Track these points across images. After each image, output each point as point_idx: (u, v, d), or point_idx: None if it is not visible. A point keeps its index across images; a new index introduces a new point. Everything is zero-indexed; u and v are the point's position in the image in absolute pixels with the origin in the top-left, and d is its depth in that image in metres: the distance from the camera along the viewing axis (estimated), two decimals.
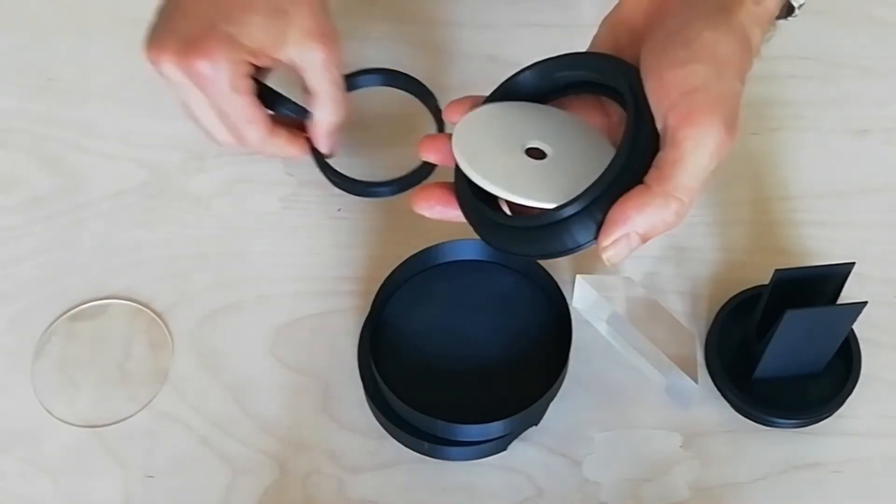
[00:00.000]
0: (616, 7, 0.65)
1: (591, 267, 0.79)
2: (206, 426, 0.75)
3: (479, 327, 0.74)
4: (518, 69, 0.64)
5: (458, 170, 0.62)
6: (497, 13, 0.90)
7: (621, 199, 0.58)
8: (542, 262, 0.75)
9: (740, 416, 0.75)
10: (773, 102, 0.87)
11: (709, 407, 0.75)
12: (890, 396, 0.76)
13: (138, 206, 0.83)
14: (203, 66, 0.71)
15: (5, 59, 0.90)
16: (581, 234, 0.59)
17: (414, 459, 0.74)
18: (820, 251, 0.80)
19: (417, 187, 0.66)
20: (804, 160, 0.84)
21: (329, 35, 0.74)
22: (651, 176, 0.58)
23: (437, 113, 0.82)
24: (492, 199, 0.62)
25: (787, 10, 0.64)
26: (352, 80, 0.82)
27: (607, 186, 0.58)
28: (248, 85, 0.73)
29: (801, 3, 0.63)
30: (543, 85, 0.64)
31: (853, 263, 0.70)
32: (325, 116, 0.77)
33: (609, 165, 0.59)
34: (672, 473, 0.73)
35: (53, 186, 0.84)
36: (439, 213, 0.64)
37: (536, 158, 0.62)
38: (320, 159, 0.79)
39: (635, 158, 0.59)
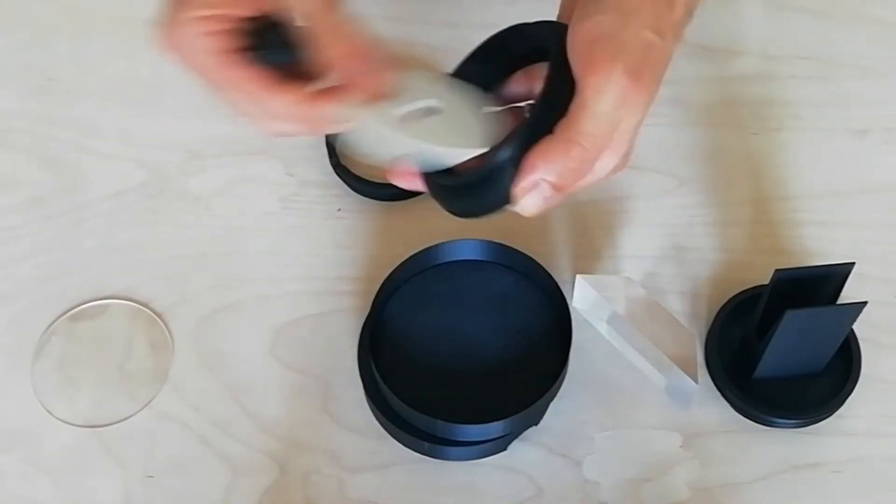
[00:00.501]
0: None
1: (591, 267, 0.79)
2: (206, 426, 0.75)
3: (479, 327, 0.74)
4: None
5: None
6: (496, 13, 0.90)
7: (531, 149, 0.59)
8: (542, 262, 0.75)
9: (740, 416, 0.75)
10: (773, 102, 0.86)
11: (709, 407, 0.75)
12: (890, 396, 0.76)
13: (138, 206, 0.83)
14: (169, 35, 0.63)
15: (5, 59, 0.90)
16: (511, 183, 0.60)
17: (414, 459, 0.74)
18: (820, 251, 0.80)
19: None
20: (804, 160, 0.84)
21: None
22: (558, 124, 0.59)
23: None
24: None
25: None
26: None
27: (526, 136, 0.59)
28: (212, 43, 0.61)
29: None
30: (490, 69, 0.64)
31: (853, 263, 0.70)
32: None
33: (528, 117, 0.60)
34: (672, 473, 0.73)
35: (53, 186, 0.84)
36: (412, 182, 0.63)
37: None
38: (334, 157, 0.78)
39: (552, 110, 0.59)
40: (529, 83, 0.65)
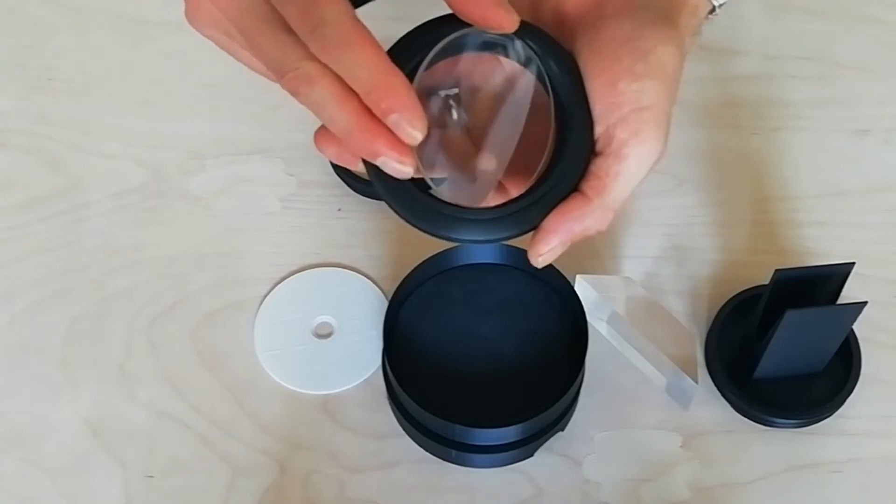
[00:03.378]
0: None
1: (591, 267, 0.79)
2: (206, 426, 0.75)
3: (495, 330, 0.74)
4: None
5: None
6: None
7: (560, 209, 0.58)
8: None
9: (740, 416, 0.75)
10: (773, 102, 0.87)
11: (709, 407, 0.75)
12: (890, 396, 0.76)
13: (138, 206, 0.83)
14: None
15: (5, 59, 0.90)
16: (512, 230, 0.59)
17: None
18: (820, 251, 0.80)
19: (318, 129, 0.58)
20: (804, 160, 0.84)
21: None
22: (590, 185, 0.58)
23: None
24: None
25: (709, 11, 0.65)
26: None
27: (548, 191, 0.58)
28: None
29: (722, 2, 0.64)
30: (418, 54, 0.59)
31: (853, 263, 0.70)
32: None
33: (548, 169, 0.58)
34: (672, 473, 0.73)
35: (53, 186, 0.84)
36: (336, 155, 0.58)
37: None
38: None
39: (570, 165, 0.59)
40: (456, 73, 0.61)
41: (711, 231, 0.82)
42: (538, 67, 0.59)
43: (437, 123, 0.60)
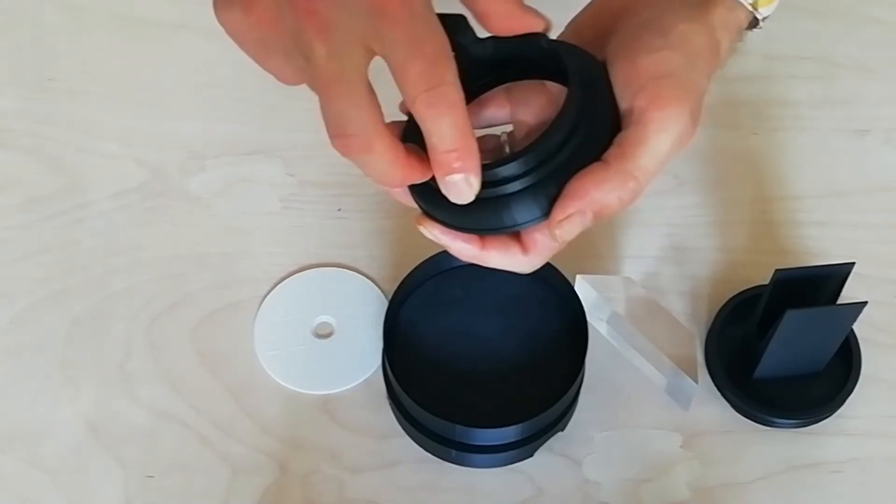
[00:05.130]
0: (585, 8, 0.64)
1: (591, 267, 0.79)
2: (206, 426, 0.75)
3: (495, 330, 0.74)
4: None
5: (402, 137, 0.59)
6: None
7: (580, 175, 0.57)
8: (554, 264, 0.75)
9: (740, 416, 0.75)
10: (773, 102, 0.87)
11: (709, 407, 0.75)
12: (890, 396, 0.76)
13: (138, 206, 0.83)
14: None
15: (5, 59, 0.90)
16: (529, 211, 0.58)
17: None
18: (820, 251, 0.80)
19: None
20: (804, 160, 0.84)
21: None
22: (611, 153, 0.58)
23: None
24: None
25: (752, 23, 0.65)
26: None
27: (561, 164, 0.57)
28: None
29: (765, 16, 0.64)
30: (474, 80, 0.61)
31: (853, 263, 0.70)
32: None
33: (558, 138, 0.57)
34: (672, 473, 0.73)
35: (53, 186, 0.84)
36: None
37: None
38: None
39: (596, 136, 0.58)
40: (511, 105, 0.64)
41: (711, 231, 0.82)
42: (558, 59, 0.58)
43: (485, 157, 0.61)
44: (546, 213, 0.58)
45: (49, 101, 0.87)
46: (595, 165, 0.58)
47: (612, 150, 0.58)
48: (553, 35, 0.63)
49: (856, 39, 0.89)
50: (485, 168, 0.56)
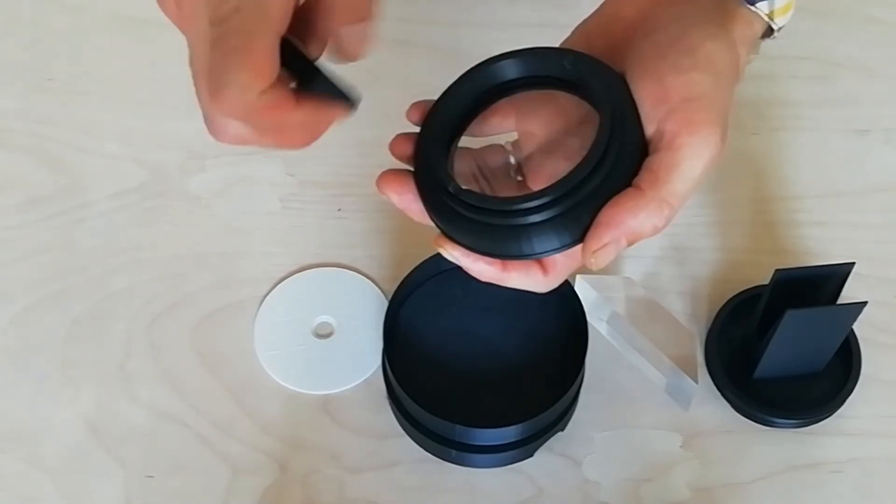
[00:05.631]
0: (594, 14, 0.63)
1: None
2: (206, 426, 0.75)
3: (495, 330, 0.73)
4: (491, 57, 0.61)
5: (417, 155, 0.60)
6: (496, 13, 0.90)
7: (613, 203, 0.56)
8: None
9: (740, 416, 0.75)
10: (773, 102, 0.87)
11: (709, 407, 0.75)
12: (890, 396, 0.76)
13: (138, 206, 0.83)
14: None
15: (5, 59, 0.90)
16: (554, 239, 0.57)
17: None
18: (820, 251, 0.80)
19: (382, 172, 0.60)
20: (804, 160, 0.84)
21: None
22: (644, 179, 0.57)
23: None
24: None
25: (767, 31, 0.65)
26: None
27: (592, 191, 0.57)
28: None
29: (781, 25, 0.64)
30: (479, 93, 0.61)
31: (853, 263, 0.70)
32: None
33: (587, 171, 0.56)
34: (672, 473, 0.73)
35: (53, 186, 0.84)
36: (409, 202, 0.60)
37: None
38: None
39: (618, 164, 0.57)
40: (517, 115, 0.63)
41: (711, 231, 0.82)
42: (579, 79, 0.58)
43: (494, 174, 0.62)
44: (573, 241, 0.57)
45: (49, 101, 0.87)
46: (629, 192, 0.57)
47: (644, 176, 0.57)
48: (558, 40, 0.63)
49: (856, 39, 0.89)
50: (512, 200, 0.56)
